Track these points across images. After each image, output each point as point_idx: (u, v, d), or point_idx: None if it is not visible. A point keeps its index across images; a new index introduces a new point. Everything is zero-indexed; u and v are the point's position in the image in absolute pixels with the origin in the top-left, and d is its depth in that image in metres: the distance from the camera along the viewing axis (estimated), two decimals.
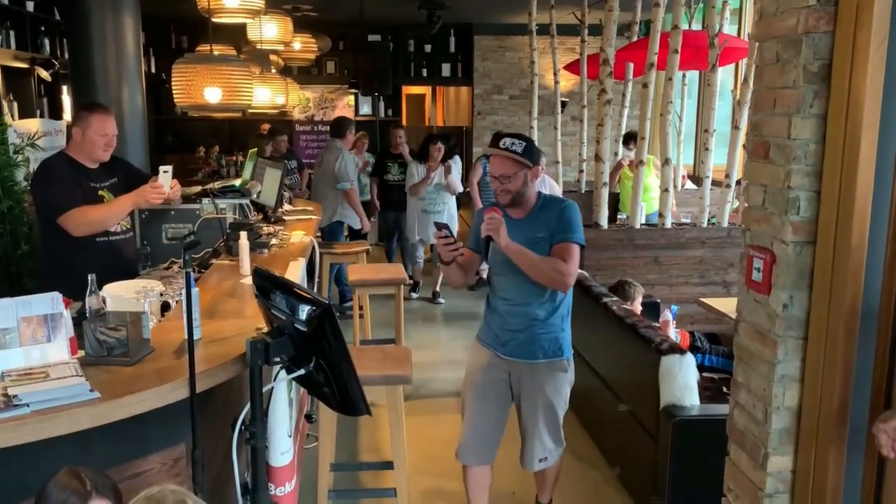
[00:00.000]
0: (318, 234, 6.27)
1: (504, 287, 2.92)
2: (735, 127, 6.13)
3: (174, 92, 3.53)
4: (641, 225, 6.16)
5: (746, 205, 2.33)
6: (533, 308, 2.86)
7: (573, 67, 8.88)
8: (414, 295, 7.22)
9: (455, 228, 6.98)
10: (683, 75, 8.28)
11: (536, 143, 3.04)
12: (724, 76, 7.39)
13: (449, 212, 6.99)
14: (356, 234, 7.16)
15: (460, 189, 7.05)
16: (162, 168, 3.32)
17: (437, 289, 7.21)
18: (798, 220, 2.06)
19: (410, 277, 7.12)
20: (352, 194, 6.52)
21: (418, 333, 6.14)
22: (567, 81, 10.03)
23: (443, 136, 7.22)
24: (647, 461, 3.28)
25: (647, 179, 6.52)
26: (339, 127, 6.77)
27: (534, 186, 2.87)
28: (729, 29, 6.99)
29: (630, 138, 7.24)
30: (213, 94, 3.35)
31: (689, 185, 8.31)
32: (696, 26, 7.98)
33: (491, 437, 3.00)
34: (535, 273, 2.75)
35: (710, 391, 3.75)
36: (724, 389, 3.76)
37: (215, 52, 4.25)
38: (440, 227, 2.80)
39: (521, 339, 2.89)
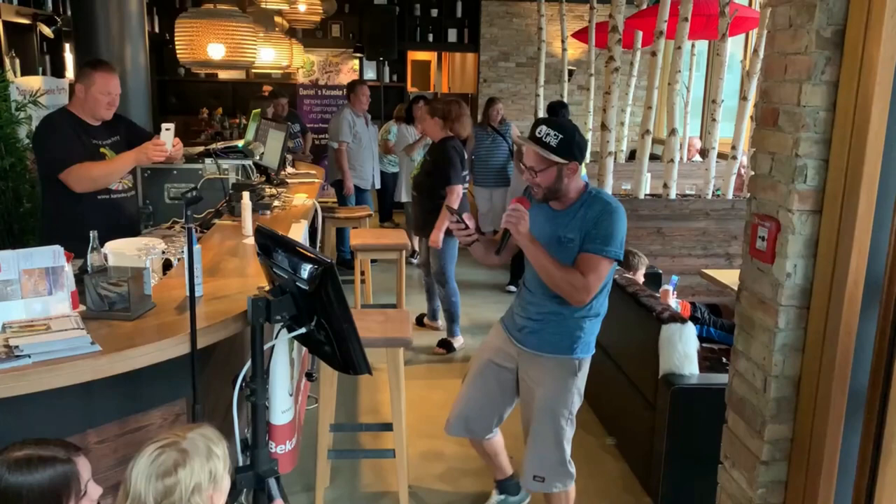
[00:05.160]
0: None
1: (529, 273, 2.68)
2: (743, 98, 6.08)
3: (177, 48, 3.50)
4: (645, 195, 6.14)
5: (753, 173, 2.31)
6: (554, 302, 2.59)
7: (581, 35, 8.79)
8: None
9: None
10: (692, 45, 8.19)
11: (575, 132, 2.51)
12: (734, 48, 7.30)
13: None
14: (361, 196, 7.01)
15: None
16: (164, 125, 3.30)
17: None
18: (805, 188, 2.04)
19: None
20: (338, 154, 6.43)
21: (419, 300, 6.14)
22: (575, 49, 9.92)
23: (422, 97, 7.17)
24: (645, 428, 3.30)
25: None
26: (349, 88, 6.85)
27: (574, 180, 2.53)
28: None
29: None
30: (216, 51, 3.32)
31: (696, 157, 8.28)
32: None
33: (481, 420, 2.87)
34: (548, 281, 2.49)
35: (709, 361, 3.77)
36: (724, 360, 3.78)
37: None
38: (452, 211, 2.59)
39: (533, 329, 2.66)
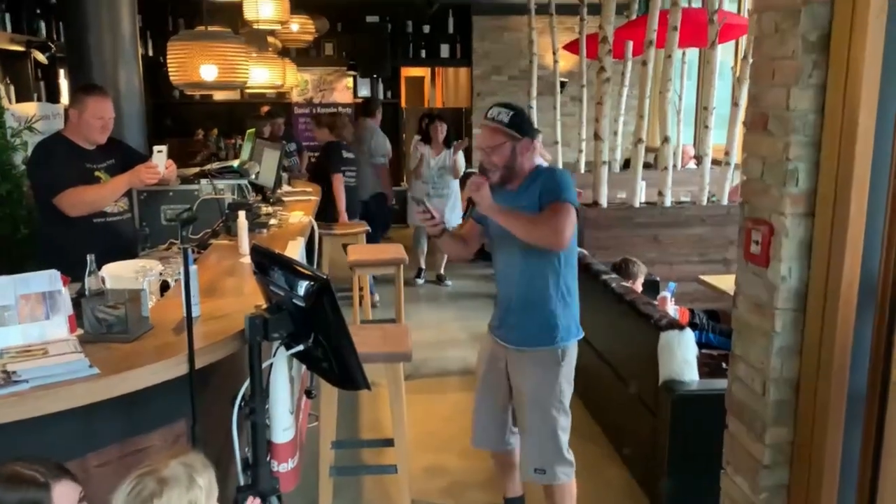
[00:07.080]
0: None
1: (497, 262, 2.77)
2: (735, 104, 6.11)
3: (170, 70, 3.51)
4: (641, 203, 6.15)
5: (745, 178, 2.32)
6: (522, 286, 2.65)
7: (572, 47, 8.81)
8: (419, 280, 7.12)
9: (459, 212, 6.97)
10: (683, 54, 8.22)
11: (535, 122, 2.87)
12: (724, 56, 7.34)
13: (453, 196, 6.93)
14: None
15: (462, 172, 6.96)
16: (156, 148, 3.31)
17: (442, 272, 7.16)
18: (797, 192, 2.06)
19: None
20: (385, 170, 7.32)
21: (420, 314, 6.15)
22: (566, 61, 9.95)
23: (438, 116, 7.21)
24: (647, 436, 3.29)
25: None
26: (367, 106, 7.63)
27: (527, 159, 2.64)
28: (728, 6, 6.94)
29: None
30: (208, 72, 3.33)
31: (691, 164, 8.29)
32: (696, 3, 7.92)
33: (497, 428, 2.90)
34: (524, 230, 2.50)
35: (708, 367, 3.76)
36: (724, 366, 3.76)
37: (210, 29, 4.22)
38: (418, 202, 2.71)
39: (511, 323, 2.71)
